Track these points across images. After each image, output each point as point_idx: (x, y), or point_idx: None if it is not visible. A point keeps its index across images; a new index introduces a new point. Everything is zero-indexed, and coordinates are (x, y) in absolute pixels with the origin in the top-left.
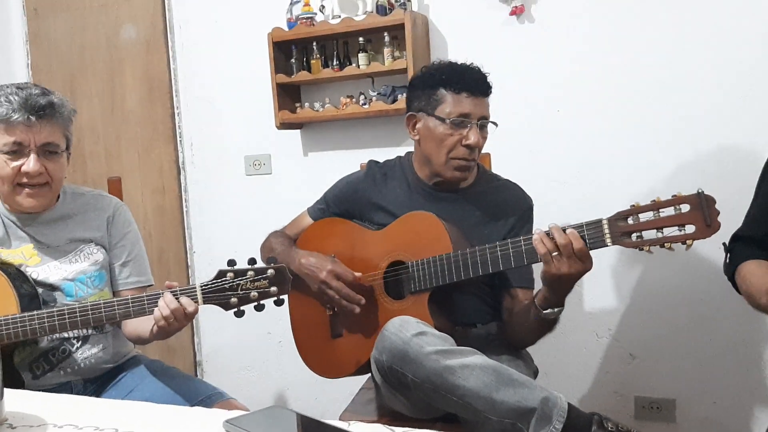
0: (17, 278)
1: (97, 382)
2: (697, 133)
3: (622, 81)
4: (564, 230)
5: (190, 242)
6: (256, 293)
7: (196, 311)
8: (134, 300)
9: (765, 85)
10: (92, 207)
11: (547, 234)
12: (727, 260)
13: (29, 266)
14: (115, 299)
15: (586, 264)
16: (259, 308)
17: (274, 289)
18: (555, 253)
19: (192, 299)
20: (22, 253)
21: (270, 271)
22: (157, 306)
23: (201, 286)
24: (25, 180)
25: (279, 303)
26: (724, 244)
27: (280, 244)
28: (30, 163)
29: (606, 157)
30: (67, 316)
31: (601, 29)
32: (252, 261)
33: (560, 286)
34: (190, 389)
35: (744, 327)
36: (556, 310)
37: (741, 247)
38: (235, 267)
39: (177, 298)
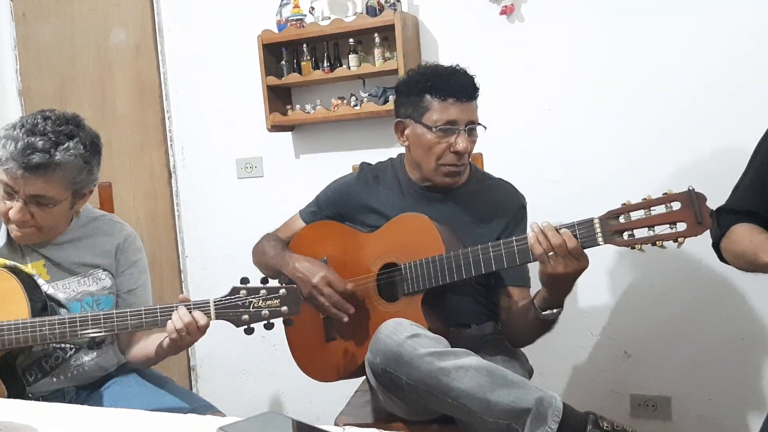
0: (29, 284)
1: (89, 390)
2: (688, 131)
3: (612, 79)
4: (557, 230)
5: (182, 246)
6: (267, 311)
7: (207, 325)
8: (147, 311)
9: (755, 83)
10: (103, 232)
11: (543, 233)
12: (716, 225)
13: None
14: (128, 309)
15: (582, 262)
16: (269, 327)
17: (285, 308)
18: (551, 253)
19: (205, 314)
20: (32, 269)
21: (282, 291)
22: (169, 318)
23: (214, 302)
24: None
25: (288, 323)
26: (712, 210)
27: (272, 247)
28: (13, 211)
29: (598, 155)
30: (78, 325)
31: (592, 28)
32: (264, 280)
33: (558, 286)
34: (181, 400)
35: (739, 324)
36: (555, 311)
37: (727, 217)
38: (248, 285)
39: (190, 312)
